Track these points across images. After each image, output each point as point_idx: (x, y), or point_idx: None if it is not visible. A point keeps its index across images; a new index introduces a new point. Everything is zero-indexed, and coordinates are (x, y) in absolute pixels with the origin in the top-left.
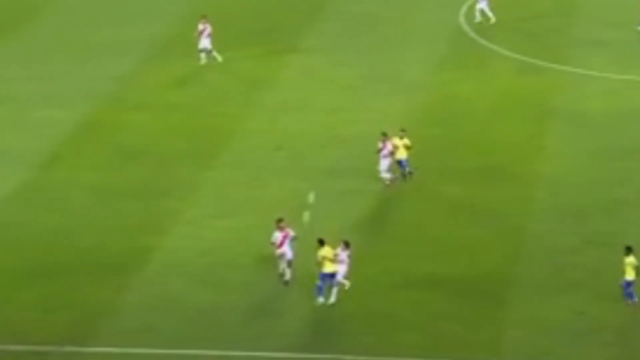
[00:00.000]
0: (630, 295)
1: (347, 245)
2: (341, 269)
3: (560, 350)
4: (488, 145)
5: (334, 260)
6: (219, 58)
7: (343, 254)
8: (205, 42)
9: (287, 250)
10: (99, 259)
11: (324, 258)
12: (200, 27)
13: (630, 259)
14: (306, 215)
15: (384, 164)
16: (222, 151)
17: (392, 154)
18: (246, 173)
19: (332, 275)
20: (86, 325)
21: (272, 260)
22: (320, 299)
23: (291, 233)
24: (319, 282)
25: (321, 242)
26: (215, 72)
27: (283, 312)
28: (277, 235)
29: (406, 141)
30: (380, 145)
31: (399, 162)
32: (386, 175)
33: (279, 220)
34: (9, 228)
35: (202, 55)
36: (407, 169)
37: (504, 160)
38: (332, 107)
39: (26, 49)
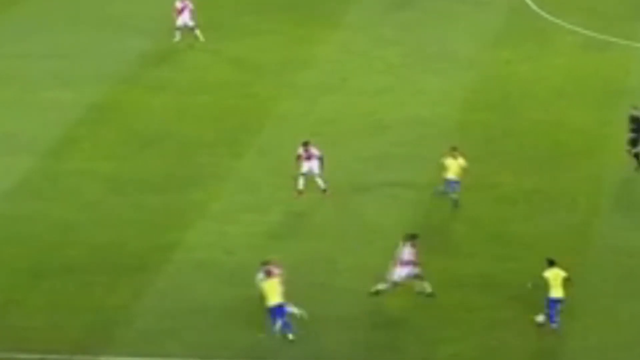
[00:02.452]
0: (552, 318)
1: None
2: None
3: None
4: (549, 132)
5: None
6: (201, 37)
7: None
8: (185, 19)
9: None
10: (114, 257)
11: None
12: (179, 5)
13: (556, 271)
14: None
15: (317, 167)
16: (251, 137)
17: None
18: (278, 162)
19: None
20: (100, 332)
21: (315, 260)
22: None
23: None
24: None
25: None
26: (242, 48)
27: (325, 317)
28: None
29: (461, 161)
30: (303, 154)
31: (448, 183)
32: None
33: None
34: (15, 222)
35: (178, 33)
36: (455, 195)
37: (567, 150)
38: (374, 89)
39: (33, 22)
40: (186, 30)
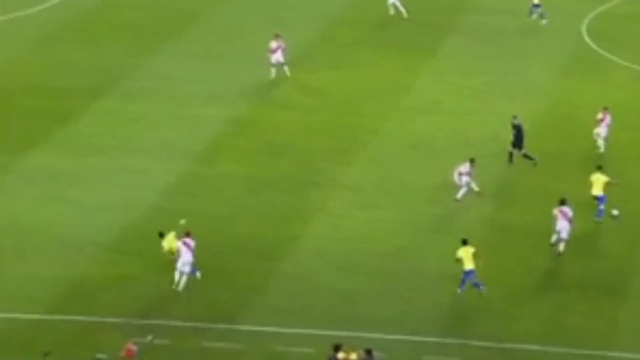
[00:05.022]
0: (477, 285)
1: None
2: None
3: None
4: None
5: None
6: (288, 73)
7: None
8: (278, 57)
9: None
10: (250, 244)
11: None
12: (274, 44)
13: (466, 248)
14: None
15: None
16: (361, 148)
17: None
18: (383, 169)
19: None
20: (239, 305)
21: (410, 249)
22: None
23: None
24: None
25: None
26: (355, 76)
27: (417, 297)
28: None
29: (604, 178)
30: (466, 169)
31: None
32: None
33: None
34: (172, 215)
35: (273, 70)
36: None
37: (625, 158)
38: (462, 111)
39: (188, 51)
40: (279, 66)
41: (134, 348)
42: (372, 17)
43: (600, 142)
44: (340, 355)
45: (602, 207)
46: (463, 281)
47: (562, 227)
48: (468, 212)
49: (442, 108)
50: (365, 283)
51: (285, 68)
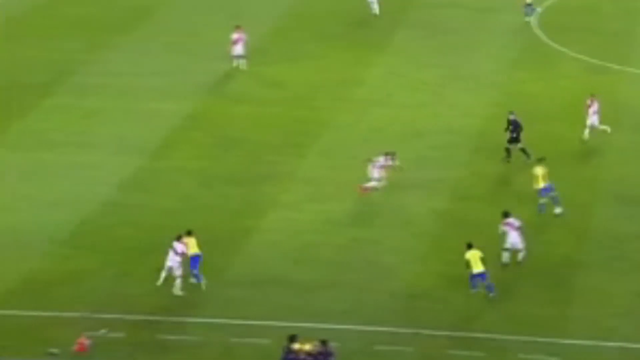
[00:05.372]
0: (490, 288)
1: None
2: None
3: (622, 329)
4: (554, 140)
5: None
6: (244, 67)
7: None
8: (239, 49)
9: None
10: (204, 238)
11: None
12: (235, 36)
13: (474, 252)
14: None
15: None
16: (314, 141)
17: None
18: (336, 161)
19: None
20: (193, 298)
21: (363, 241)
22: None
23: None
24: (195, 271)
25: (189, 233)
26: (309, 70)
27: (370, 288)
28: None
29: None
30: (385, 162)
31: (544, 189)
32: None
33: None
34: (126, 209)
35: (242, 61)
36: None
37: (567, 156)
38: (414, 103)
39: (142, 47)
40: (241, 57)
41: (87, 342)
42: (324, 12)
43: (587, 131)
44: (296, 346)
45: (544, 200)
46: (477, 283)
47: (514, 240)
48: (421, 204)
49: (394, 101)
50: (320, 274)
51: (243, 61)
